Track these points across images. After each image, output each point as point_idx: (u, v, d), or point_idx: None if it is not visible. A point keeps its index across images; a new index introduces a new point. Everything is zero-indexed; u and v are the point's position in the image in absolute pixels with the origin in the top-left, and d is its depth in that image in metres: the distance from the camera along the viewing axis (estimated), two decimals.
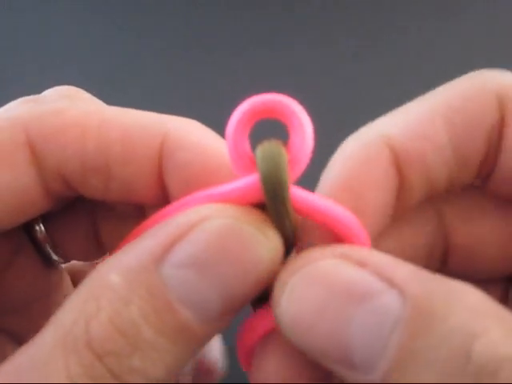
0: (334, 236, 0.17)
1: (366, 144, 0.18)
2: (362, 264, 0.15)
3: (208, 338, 0.16)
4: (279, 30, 0.50)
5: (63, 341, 0.15)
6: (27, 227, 0.22)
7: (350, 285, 0.15)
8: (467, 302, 0.14)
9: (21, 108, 0.19)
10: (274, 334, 0.17)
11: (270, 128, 0.18)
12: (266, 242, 0.16)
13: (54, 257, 0.23)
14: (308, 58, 0.48)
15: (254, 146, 0.17)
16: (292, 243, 0.17)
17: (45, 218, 0.22)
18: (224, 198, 0.16)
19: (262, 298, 0.17)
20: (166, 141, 0.19)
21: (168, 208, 0.17)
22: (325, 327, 0.15)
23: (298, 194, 0.16)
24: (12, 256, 0.22)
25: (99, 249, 0.24)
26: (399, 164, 0.18)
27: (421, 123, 0.18)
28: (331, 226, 0.16)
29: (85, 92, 0.21)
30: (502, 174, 0.18)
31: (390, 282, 0.14)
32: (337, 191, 0.17)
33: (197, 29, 0.50)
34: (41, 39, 0.51)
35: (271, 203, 0.16)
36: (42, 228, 0.22)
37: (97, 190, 0.20)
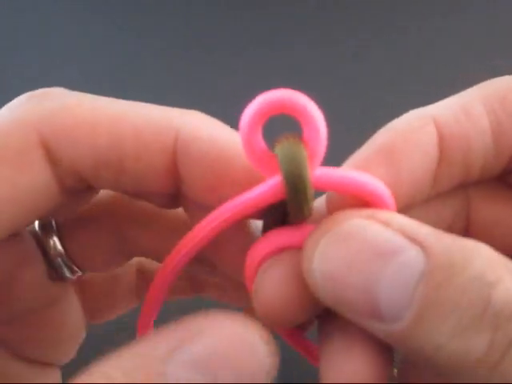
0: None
1: (412, 119, 0.19)
2: (387, 223, 0.16)
3: None
4: (279, 30, 0.50)
5: None
6: (40, 239, 0.22)
7: (376, 242, 0.16)
8: (482, 255, 0.15)
9: (28, 106, 0.19)
10: (280, 255, 0.18)
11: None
12: (266, 355, 0.15)
13: (67, 273, 0.23)
14: (308, 57, 0.48)
15: (267, 141, 0.17)
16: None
17: (62, 229, 0.23)
18: (251, 204, 0.17)
19: (273, 221, 0.18)
20: (179, 135, 0.19)
21: (203, 223, 0.18)
22: (354, 282, 0.16)
23: (321, 174, 0.17)
24: (20, 265, 0.22)
25: (119, 259, 0.24)
26: (442, 143, 0.18)
27: (466, 108, 0.19)
28: (359, 196, 0.17)
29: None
30: None
31: (413, 240, 0.15)
32: (374, 155, 0.18)
33: (197, 29, 0.50)
34: (41, 39, 0.51)
35: (294, 197, 0.17)
36: (57, 243, 0.23)
37: (108, 182, 0.20)
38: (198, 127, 0.19)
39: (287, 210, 0.18)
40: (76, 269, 0.23)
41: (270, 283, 0.18)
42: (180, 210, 0.22)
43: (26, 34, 0.52)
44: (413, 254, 0.15)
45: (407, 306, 0.15)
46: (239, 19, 0.51)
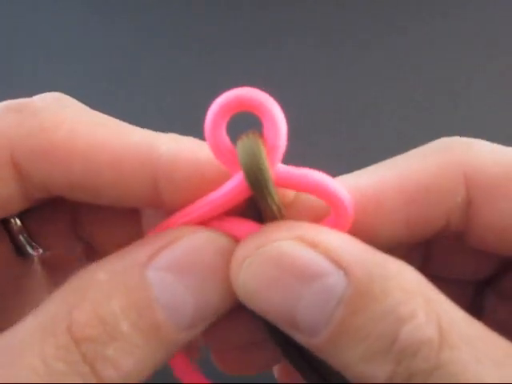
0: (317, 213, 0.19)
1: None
2: (314, 245, 0.16)
3: (180, 343, 0.17)
4: (279, 30, 0.50)
5: (43, 325, 0.16)
6: (3, 219, 0.23)
7: (300, 265, 0.16)
8: (402, 284, 0.16)
9: (6, 120, 0.19)
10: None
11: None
12: (237, 262, 0.17)
13: (29, 249, 0.23)
14: (308, 57, 0.48)
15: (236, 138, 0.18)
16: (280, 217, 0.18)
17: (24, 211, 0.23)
18: (218, 205, 0.18)
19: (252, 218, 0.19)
20: (160, 162, 0.19)
21: (172, 218, 0.19)
22: (276, 302, 0.17)
23: (283, 171, 0.18)
24: None
25: (79, 240, 0.24)
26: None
27: (378, 190, 0.19)
28: (317, 194, 0.18)
29: (74, 100, 0.21)
30: (473, 243, 0.20)
31: (337, 264, 0.16)
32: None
33: (197, 29, 0.50)
34: (41, 39, 0.51)
35: (257, 191, 0.17)
36: (18, 221, 0.23)
37: (84, 201, 0.20)
38: (179, 154, 0.19)
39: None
40: (37, 246, 0.24)
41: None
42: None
43: (26, 34, 0.52)
44: (334, 279, 0.16)
45: (324, 325, 0.16)
46: (239, 19, 0.51)
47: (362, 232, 0.19)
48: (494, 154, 0.19)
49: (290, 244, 0.16)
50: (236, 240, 0.18)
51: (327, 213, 0.18)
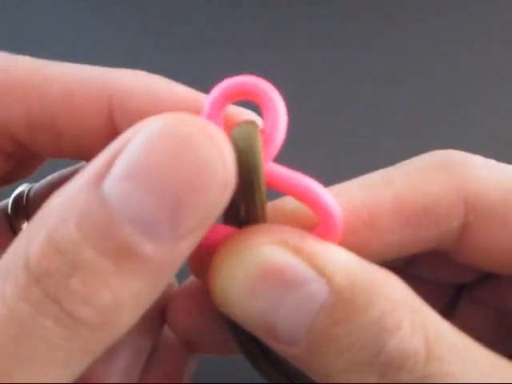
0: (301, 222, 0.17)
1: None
2: (297, 252, 0.16)
3: (167, 265, 0.14)
4: (279, 30, 0.50)
5: (5, 265, 0.14)
6: (12, 221, 0.23)
7: (282, 272, 0.15)
8: (388, 294, 0.15)
9: None
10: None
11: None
12: (208, 142, 0.14)
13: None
14: (308, 57, 0.48)
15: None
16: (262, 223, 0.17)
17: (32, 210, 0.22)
18: None
19: (231, 217, 0.17)
20: (113, 94, 0.19)
21: None
22: (255, 309, 0.16)
23: (274, 169, 0.17)
24: None
25: None
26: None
27: (373, 209, 0.18)
28: (305, 201, 0.17)
29: None
30: (460, 259, 0.20)
31: (320, 271, 0.15)
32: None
33: (197, 28, 0.50)
34: (41, 39, 0.51)
35: (245, 182, 0.16)
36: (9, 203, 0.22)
37: (47, 147, 0.20)
38: (133, 84, 0.19)
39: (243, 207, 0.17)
40: None
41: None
42: None
43: (26, 34, 0.51)
44: (316, 287, 0.15)
45: (304, 335, 0.15)
46: (239, 19, 0.51)
47: (351, 249, 0.18)
48: (492, 177, 0.19)
49: (273, 249, 0.16)
50: (213, 246, 0.17)
51: (313, 227, 0.17)
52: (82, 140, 0.19)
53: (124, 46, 0.50)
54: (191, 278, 0.22)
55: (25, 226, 0.23)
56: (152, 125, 0.14)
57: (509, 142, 0.42)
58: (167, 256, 0.14)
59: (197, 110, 0.17)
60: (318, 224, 0.17)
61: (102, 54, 0.50)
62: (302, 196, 0.17)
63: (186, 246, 0.14)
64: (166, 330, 0.23)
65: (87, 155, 0.20)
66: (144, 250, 0.14)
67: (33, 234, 0.14)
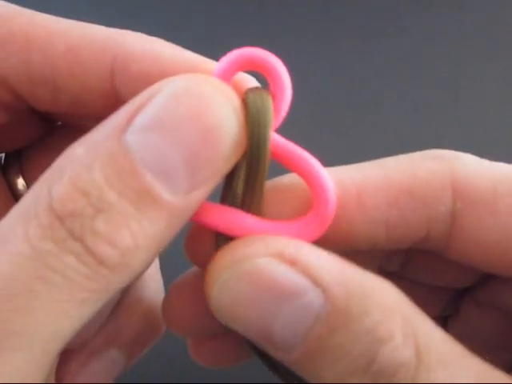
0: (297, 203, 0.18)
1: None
2: (293, 263, 0.16)
3: (180, 213, 0.16)
4: (279, 30, 0.50)
5: (25, 210, 0.15)
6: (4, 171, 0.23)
7: (278, 284, 0.16)
8: (381, 303, 0.16)
9: None
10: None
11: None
12: (226, 102, 0.16)
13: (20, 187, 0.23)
14: (308, 58, 0.48)
15: None
16: (259, 200, 0.18)
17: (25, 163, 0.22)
18: None
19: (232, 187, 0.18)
20: (117, 55, 0.18)
21: None
22: (251, 319, 0.16)
23: (278, 139, 0.17)
24: None
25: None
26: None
27: (361, 187, 0.19)
28: (301, 174, 0.17)
29: None
30: (454, 256, 0.20)
31: (315, 282, 0.16)
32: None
33: (197, 28, 0.50)
34: None
35: (253, 146, 0.17)
36: (21, 180, 0.23)
37: (45, 101, 0.20)
38: (137, 45, 0.19)
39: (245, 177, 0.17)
40: None
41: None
42: None
43: None
44: (312, 297, 0.15)
45: (301, 342, 0.16)
46: (239, 19, 0.51)
47: (341, 228, 0.18)
48: (483, 169, 0.19)
49: (268, 261, 0.16)
50: (209, 226, 0.17)
51: (306, 206, 0.18)
52: (81, 97, 0.19)
53: None
54: (186, 273, 0.22)
55: (20, 180, 0.22)
56: (176, 83, 0.15)
57: (509, 142, 0.42)
58: (182, 204, 0.15)
59: None
60: (312, 201, 0.18)
61: None
62: (303, 170, 0.17)
63: (198, 196, 0.16)
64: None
65: (83, 112, 0.20)
66: (162, 196, 0.15)
67: (54, 180, 0.15)
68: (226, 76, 0.17)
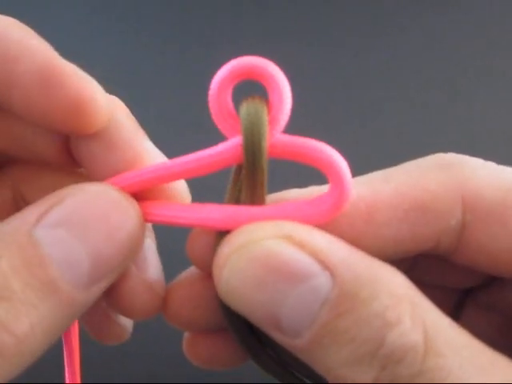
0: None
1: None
2: (302, 245, 0.16)
3: (82, 303, 0.17)
4: (279, 30, 0.50)
5: None
6: None
7: (287, 266, 0.16)
8: (390, 288, 0.16)
9: None
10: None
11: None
12: (130, 208, 0.18)
13: None
14: (308, 58, 0.48)
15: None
16: (260, 203, 0.18)
17: None
18: (204, 164, 0.18)
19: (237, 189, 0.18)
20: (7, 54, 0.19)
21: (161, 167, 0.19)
22: (260, 301, 0.16)
23: (283, 138, 0.17)
24: None
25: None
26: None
27: (371, 203, 0.18)
28: (314, 162, 0.17)
29: None
30: (460, 261, 0.20)
31: (324, 265, 0.16)
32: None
33: (197, 29, 0.50)
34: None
35: (249, 158, 0.17)
36: None
37: None
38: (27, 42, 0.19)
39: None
40: None
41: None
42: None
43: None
44: (321, 280, 0.16)
45: (308, 327, 0.16)
46: (239, 19, 0.51)
47: (348, 243, 0.18)
48: (492, 178, 0.19)
49: (277, 243, 0.16)
50: (215, 226, 0.18)
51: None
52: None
53: (124, 46, 0.50)
54: (187, 270, 0.22)
55: None
56: (88, 188, 0.18)
57: (509, 142, 0.42)
58: (82, 296, 0.17)
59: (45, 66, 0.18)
60: (328, 187, 0.17)
61: (101, 54, 0.50)
62: (313, 159, 0.17)
63: (97, 290, 0.17)
64: None
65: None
66: (64, 288, 0.16)
67: None
68: (224, 86, 0.17)
